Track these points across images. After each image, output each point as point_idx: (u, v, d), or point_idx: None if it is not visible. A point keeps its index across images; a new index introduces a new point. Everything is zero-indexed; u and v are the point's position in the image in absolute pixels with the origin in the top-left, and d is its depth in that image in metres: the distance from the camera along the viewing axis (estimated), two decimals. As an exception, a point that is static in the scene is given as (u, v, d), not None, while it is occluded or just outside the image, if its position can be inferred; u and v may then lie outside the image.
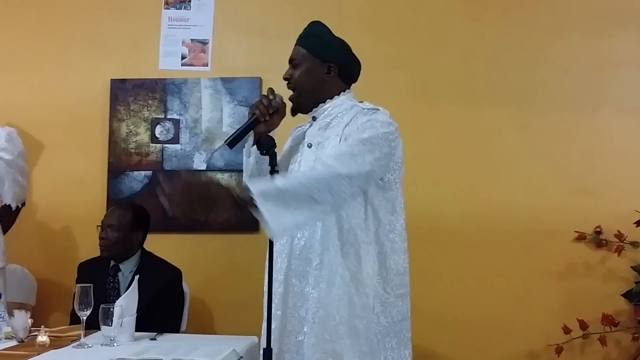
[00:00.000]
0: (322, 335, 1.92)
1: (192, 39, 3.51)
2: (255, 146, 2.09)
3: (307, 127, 2.15)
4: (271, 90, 2.10)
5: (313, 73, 2.10)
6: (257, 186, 1.73)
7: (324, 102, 2.11)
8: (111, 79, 3.50)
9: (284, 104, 2.11)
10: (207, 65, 3.50)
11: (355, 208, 1.96)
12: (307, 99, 2.12)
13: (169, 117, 3.50)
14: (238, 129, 2.05)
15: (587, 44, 3.30)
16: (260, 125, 2.06)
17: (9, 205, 3.12)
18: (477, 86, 3.33)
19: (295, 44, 2.15)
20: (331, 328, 1.91)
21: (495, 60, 3.34)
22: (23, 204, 3.19)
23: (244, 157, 2.18)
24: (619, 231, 3.15)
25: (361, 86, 3.19)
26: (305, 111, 2.15)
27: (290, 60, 2.14)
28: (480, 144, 3.31)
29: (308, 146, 2.06)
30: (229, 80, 3.45)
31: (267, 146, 2.03)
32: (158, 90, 3.50)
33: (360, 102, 2.12)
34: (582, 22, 3.31)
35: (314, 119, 2.12)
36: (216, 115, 3.45)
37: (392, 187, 2.02)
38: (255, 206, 1.70)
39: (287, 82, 2.13)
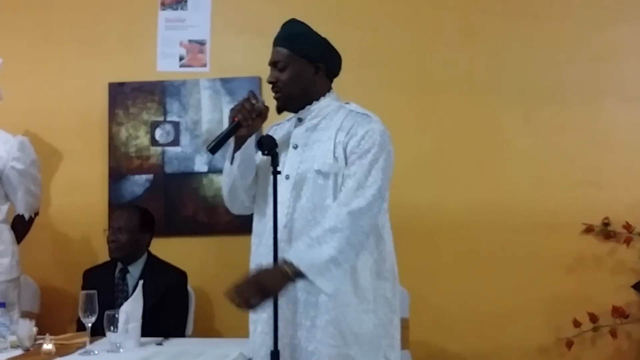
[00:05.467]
0: (328, 341, 1.94)
1: (189, 40, 3.48)
2: (238, 152, 2.05)
3: (291, 127, 2.12)
4: (253, 94, 2.06)
5: (302, 75, 2.05)
6: (303, 259, 1.84)
7: (311, 104, 2.08)
8: (109, 83, 3.47)
9: (267, 107, 2.07)
10: (205, 66, 3.47)
11: None
12: (296, 101, 2.09)
13: (168, 119, 3.47)
14: (220, 134, 2.02)
15: (590, 33, 3.27)
16: (242, 130, 2.02)
17: (22, 215, 3.09)
18: (480, 78, 3.30)
19: (275, 45, 2.09)
20: (337, 334, 1.95)
21: (497, 52, 3.31)
22: (36, 214, 3.17)
23: (226, 163, 2.13)
24: (627, 222, 3.13)
25: (361, 81, 3.16)
26: (293, 111, 2.12)
27: (274, 63, 2.08)
28: (484, 136, 3.29)
29: (294, 147, 2.05)
30: (228, 80, 3.41)
31: (268, 146, 2.02)
32: (157, 93, 3.47)
33: (346, 103, 2.09)
34: (585, 11, 3.28)
35: (300, 120, 2.10)
36: (216, 116, 3.42)
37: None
38: (305, 276, 1.84)
39: (272, 85, 2.08)
